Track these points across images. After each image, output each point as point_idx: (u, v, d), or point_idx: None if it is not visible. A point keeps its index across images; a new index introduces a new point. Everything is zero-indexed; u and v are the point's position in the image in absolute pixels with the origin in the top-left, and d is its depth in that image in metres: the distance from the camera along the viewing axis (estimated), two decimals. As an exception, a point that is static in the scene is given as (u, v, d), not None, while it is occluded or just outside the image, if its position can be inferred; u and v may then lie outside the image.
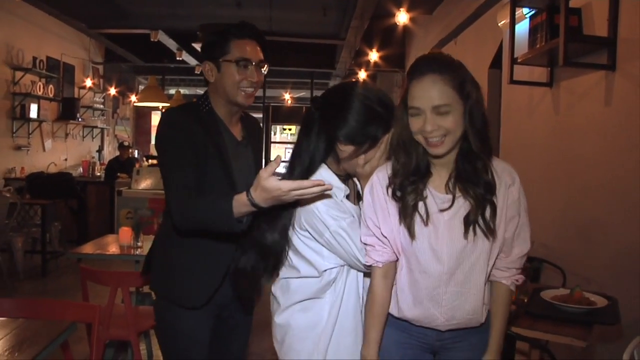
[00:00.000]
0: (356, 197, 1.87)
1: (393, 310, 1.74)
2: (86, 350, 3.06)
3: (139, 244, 3.76)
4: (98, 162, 10.13)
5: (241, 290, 2.00)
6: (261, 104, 12.33)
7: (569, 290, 2.51)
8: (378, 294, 1.70)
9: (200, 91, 9.38)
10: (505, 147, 4.76)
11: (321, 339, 1.79)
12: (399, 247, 1.67)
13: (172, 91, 11.44)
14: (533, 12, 3.66)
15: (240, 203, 1.66)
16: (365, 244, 1.70)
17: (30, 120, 8.03)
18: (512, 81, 3.86)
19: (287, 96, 13.24)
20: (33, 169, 7.95)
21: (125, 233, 3.76)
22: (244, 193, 1.66)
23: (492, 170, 1.62)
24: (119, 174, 8.42)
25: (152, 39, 8.05)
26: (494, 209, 1.60)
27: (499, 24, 4.50)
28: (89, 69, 10.32)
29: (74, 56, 9.64)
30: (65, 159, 9.43)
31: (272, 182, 1.57)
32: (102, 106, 10.74)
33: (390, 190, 1.64)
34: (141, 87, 12.75)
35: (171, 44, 8.84)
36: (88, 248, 3.88)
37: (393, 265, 1.71)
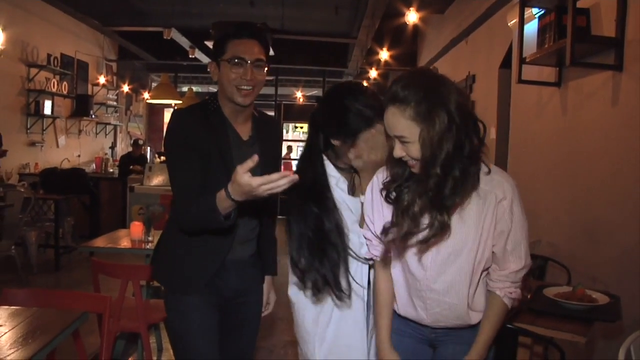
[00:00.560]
0: (352, 188, 2.03)
1: (394, 306, 1.84)
2: (97, 342, 3.13)
3: (150, 238, 3.81)
4: (111, 159, 10.22)
5: None
6: (273, 102, 12.39)
7: (572, 288, 2.53)
8: (380, 284, 1.83)
9: (213, 89, 9.45)
10: (514, 146, 4.77)
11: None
12: (390, 246, 1.75)
13: (185, 89, 11.52)
14: (542, 12, 3.68)
15: (221, 198, 1.76)
16: (365, 237, 1.82)
17: (44, 116, 8.13)
18: (521, 81, 3.87)
19: (299, 94, 13.27)
20: (47, 164, 8.04)
21: (137, 227, 3.82)
22: (222, 189, 1.75)
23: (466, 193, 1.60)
24: (131, 167, 8.52)
25: (165, 37, 8.11)
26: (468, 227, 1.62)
27: (509, 24, 4.52)
28: (103, 66, 10.41)
29: (88, 53, 9.74)
30: (79, 155, 9.52)
31: (245, 178, 1.65)
32: (115, 103, 10.83)
33: (384, 193, 1.71)
34: (154, 85, 12.82)
35: (184, 42, 8.90)
36: (100, 242, 3.96)
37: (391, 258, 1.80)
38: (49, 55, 8.18)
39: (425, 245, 1.63)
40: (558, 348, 2.16)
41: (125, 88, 11.18)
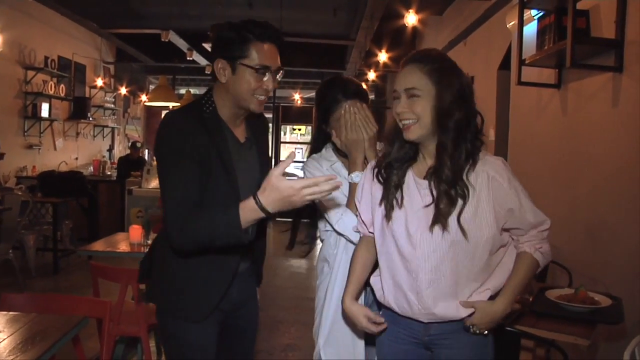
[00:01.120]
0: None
1: (378, 294, 1.84)
2: (97, 347, 3.12)
3: (149, 242, 3.79)
4: (109, 161, 10.20)
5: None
6: (271, 104, 12.38)
7: (574, 290, 2.52)
8: (356, 251, 1.93)
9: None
10: (514, 148, 4.77)
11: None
12: (377, 227, 1.80)
13: (183, 91, 11.50)
14: (541, 13, 3.67)
15: (247, 209, 1.61)
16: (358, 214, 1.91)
17: (41, 119, 8.10)
18: (521, 82, 3.87)
19: (297, 96, 13.25)
20: (44, 167, 8.02)
21: (136, 231, 3.80)
22: (250, 198, 1.61)
23: (468, 168, 1.66)
24: (132, 173, 8.50)
25: (162, 39, 8.10)
26: (463, 206, 1.64)
27: (508, 26, 4.51)
28: (100, 68, 10.40)
29: (86, 56, 9.72)
30: (76, 158, 9.50)
31: (285, 182, 1.53)
32: (113, 105, 10.80)
33: (376, 172, 1.79)
34: (152, 87, 12.81)
35: (182, 44, 8.89)
36: (98, 246, 3.93)
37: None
38: (46, 58, 8.16)
39: (420, 220, 1.68)
40: (561, 350, 2.15)
41: (123, 90, 11.15)
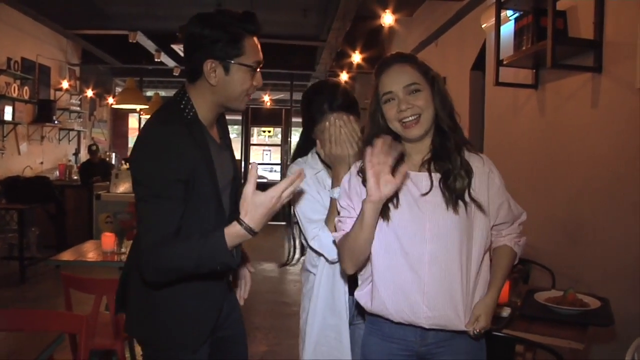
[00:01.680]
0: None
1: (367, 304, 1.74)
2: (69, 359, 2.99)
3: (123, 249, 3.68)
4: (75, 165, 9.96)
5: None
6: (240, 106, 12.24)
7: (562, 292, 2.51)
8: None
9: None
10: (489, 148, 4.77)
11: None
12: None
13: (150, 93, 11.32)
14: (518, 14, 3.67)
15: (234, 236, 1.53)
16: (339, 221, 1.77)
17: (4, 122, 7.84)
18: (498, 83, 3.86)
19: (266, 98, 13.16)
20: (8, 173, 7.76)
21: (108, 239, 3.68)
22: (235, 224, 1.52)
23: (464, 154, 1.71)
24: (93, 178, 8.32)
25: (130, 40, 7.91)
26: (468, 183, 1.67)
27: (483, 26, 4.50)
28: (66, 70, 10.14)
29: (50, 57, 9.46)
30: (42, 163, 9.24)
31: (262, 195, 1.49)
32: (78, 108, 10.55)
33: (362, 175, 1.71)
34: (118, 89, 12.57)
35: (149, 45, 8.71)
36: (68, 255, 3.79)
37: None
38: (9, 59, 7.90)
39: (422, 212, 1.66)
40: (554, 353, 2.12)
41: (89, 93, 10.91)
